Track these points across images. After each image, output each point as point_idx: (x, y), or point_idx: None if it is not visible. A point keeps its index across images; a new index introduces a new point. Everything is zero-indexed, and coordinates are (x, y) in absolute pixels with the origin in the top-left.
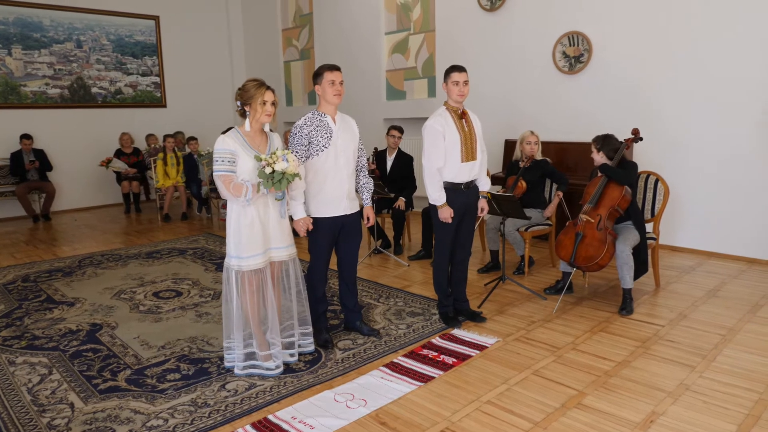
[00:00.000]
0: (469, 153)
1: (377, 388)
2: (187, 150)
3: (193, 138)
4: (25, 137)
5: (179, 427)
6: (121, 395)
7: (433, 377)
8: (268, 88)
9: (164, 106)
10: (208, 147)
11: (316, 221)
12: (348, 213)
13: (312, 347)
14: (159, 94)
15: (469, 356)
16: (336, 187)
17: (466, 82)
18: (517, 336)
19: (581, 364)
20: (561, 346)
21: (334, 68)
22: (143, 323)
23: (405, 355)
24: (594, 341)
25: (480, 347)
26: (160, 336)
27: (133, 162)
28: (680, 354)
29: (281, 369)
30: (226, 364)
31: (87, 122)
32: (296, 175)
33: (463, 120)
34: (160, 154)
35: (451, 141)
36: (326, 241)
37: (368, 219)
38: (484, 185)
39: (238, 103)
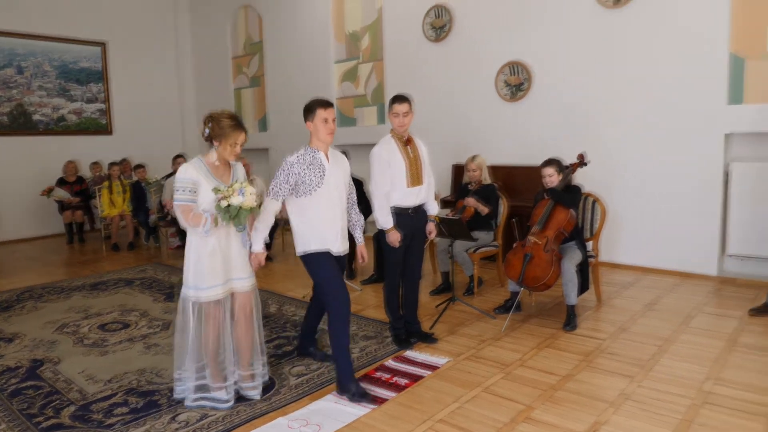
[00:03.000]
0: (415, 178)
1: (331, 412)
2: (135, 178)
3: (140, 165)
4: None
5: None
6: None
7: (387, 399)
8: (244, 130)
9: (110, 133)
10: (155, 175)
11: (311, 255)
12: (340, 253)
13: (267, 377)
14: (105, 121)
15: (422, 377)
16: (330, 225)
17: (406, 113)
18: (467, 355)
19: (528, 379)
20: (510, 362)
21: (328, 105)
22: (88, 357)
23: (359, 378)
24: (541, 357)
25: (432, 367)
26: (107, 370)
27: (77, 191)
28: (620, 365)
29: (232, 402)
30: (176, 395)
31: (28, 150)
32: (253, 209)
33: (408, 147)
34: (106, 183)
35: (397, 167)
36: (331, 267)
37: (363, 257)
38: (432, 209)
39: (207, 131)
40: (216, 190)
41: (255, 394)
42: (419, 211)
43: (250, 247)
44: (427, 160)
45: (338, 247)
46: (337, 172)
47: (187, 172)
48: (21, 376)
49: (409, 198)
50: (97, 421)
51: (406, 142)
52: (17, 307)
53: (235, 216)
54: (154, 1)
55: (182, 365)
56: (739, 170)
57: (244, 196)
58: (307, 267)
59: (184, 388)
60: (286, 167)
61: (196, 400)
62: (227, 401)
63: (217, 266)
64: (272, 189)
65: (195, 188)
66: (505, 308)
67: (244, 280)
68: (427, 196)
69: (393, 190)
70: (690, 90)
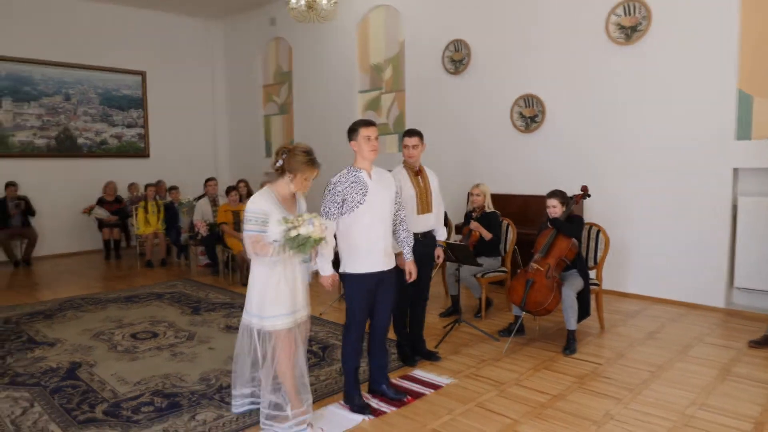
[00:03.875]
0: (424, 206)
1: (334, 417)
2: (168, 198)
3: (174, 187)
4: (10, 184)
5: None
6: (98, 425)
7: (386, 412)
8: (318, 166)
9: (147, 156)
10: (188, 196)
11: (352, 278)
12: (384, 269)
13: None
14: (143, 145)
15: (424, 394)
16: (372, 243)
17: (415, 146)
18: (467, 373)
19: (521, 397)
20: (505, 381)
21: (370, 124)
22: (120, 362)
23: (367, 392)
24: (537, 377)
25: (435, 386)
26: (136, 373)
27: (115, 209)
28: (611, 388)
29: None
30: (234, 410)
31: (72, 171)
32: (322, 239)
33: (419, 177)
34: (142, 202)
35: (407, 195)
36: (362, 300)
37: (410, 274)
38: (441, 235)
39: (281, 162)
40: (285, 220)
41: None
42: (428, 236)
43: (317, 272)
44: (437, 189)
45: (382, 265)
46: (381, 190)
47: (258, 204)
48: (61, 376)
49: (419, 224)
50: (126, 416)
51: (417, 173)
52: (59, 316)
53: (302, 245)
54: (190, 33)
55: (239, 386)
56: (747, 204)
57: (313, 227)
58: (345, 285)
59: (239, 402)
60: (331, 187)
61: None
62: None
63: (282, 296)
64: (323, 211)
65: (266, 219)
66: (508, 331)
67: (303, 310)
68: (436, 223)
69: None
70: (699, 125)
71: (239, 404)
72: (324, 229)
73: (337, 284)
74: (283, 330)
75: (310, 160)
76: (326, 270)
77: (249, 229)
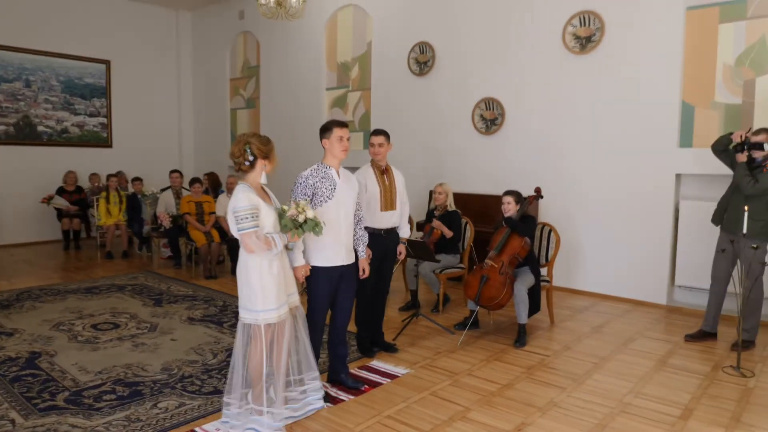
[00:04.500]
0: (388, 203)
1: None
2: (131, 190)
3: (137, 178)
4: None
5: None
6: (59, 413)
7: (344, 400)
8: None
9: (110, 146)
10: (151, 188)
11: (316, 270)
12: (346, 263)
13: (321, 402)
14: (105, 135)
15: (381, 383)
16: (336, 237)
17: (381, 144)
18: (422, 364)
19: (472, 386)
20: (459, 372)
21: (343, 125)
22: (81, 352)
23: (327, 381)
24: (488, 368)
25: (392, 376)
26: (98, 363)
27: (75, 200)
28: (557, 378)
29: (284, 423)
30: (222, 421)
31: (31, 159)
32: (323, 222)
33: (385, 175)
34: (103, 193)
35: (372, 192)
36: (325, 291)
37: (363, 270)
38: (405, 232)
39: (251, 158)
40: (283, 210)
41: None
42: (391, 233)
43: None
44: (402, 188)
45: (343, 259)
46: (347, 188)
47: (249, 199)
48: (21, 365)
49: (383, 221)
50: (88, 404)
51: (383, 171)
52: (16, 306)
53: (313, 228)
54: (157, 23)
55: (233, 390)
56: (688, 208)
57: (313, 210)
58: (309, 277)
59: (231, 413)
60: (302, 180)
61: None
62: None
63: (281, 286)
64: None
65: (257, 213)
66: (463, 325)
67: (294, 295)
68: (400, 221)
69: (367, 213)
70: (646, 133)
71: (233, 413)
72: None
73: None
74: (281, 322)
75: (266, 138)
76: (299, 260)
77: (246, 227)
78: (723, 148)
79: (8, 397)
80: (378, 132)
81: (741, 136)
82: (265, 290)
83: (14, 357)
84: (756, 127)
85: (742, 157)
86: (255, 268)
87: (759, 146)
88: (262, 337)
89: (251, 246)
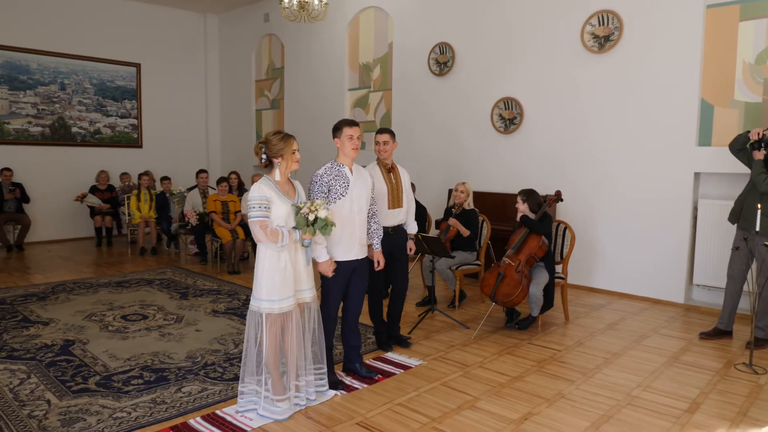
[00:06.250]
0: (395, 201)
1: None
2: (160, 188)
3: (166, 177)
4: (6, 170)
5: (141, 418)
6: (91, 395)
7: (358, 388)
8: (292, 137)
9: (140, 146)
10: (179, 187)
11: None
12: (359, 258)
13: (326, 388)
14: (136, 136)
15: (394, 374)
16: (350, 233)
17: (385, 143)
18: (436, 356)
19: (483, 377)
20: (470, 364)
21: (354, 124)
22: (111, 340)
23: (341, 371)
24: (500, 361)
25: (405, 367)
26: (127, 350)
27: (107, 198)
28: (567, 372)
29: (292, 412)
30: (239, 408)
31: (65, 159)
32: (334, 223)
33: (391, 174)
34: (134, 191)
35: (380, 190)
36: (338, 285)
37: (378, 263)
38: (412, 229)
39: (264, 156)
40: (298, 206)
41: (304, 405)
42: (398, 230)
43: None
44: (408, 186)
45: (357, 254)
46: (360, 185)
47: (260, 190)
48: (56, 352)
49: (389, 218)
50: (117, 388)
51: (389, 169)
52: (52, 298)
53: (323, 227)
54: (185, 27)
55: (247, 377)
56: (706, 206)
57: (327, 211)
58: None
59: (245, 401)
60: (317, 179)
61: (264, 409)
62: (288, 412)
63: (288, 279)
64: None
65: (269, 205)
66: (515, 323)
67: (306, 292)
68: (408, 218)
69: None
70: (664, 131)
71: (245, 401)
72: (333, 215)
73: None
74: (284, 313)
75: (283, 135)
76: (323, 256)
77: (254, 216)
78: (740, 147)
79: (44, 380)
80: (383, 130)
81: (759, 134)
82: (270, 281)
83: (50, 344)
84: None
85: (759, 155)
86: (265, 258)
87: None
88: (263, 325)
89: (257, 234)
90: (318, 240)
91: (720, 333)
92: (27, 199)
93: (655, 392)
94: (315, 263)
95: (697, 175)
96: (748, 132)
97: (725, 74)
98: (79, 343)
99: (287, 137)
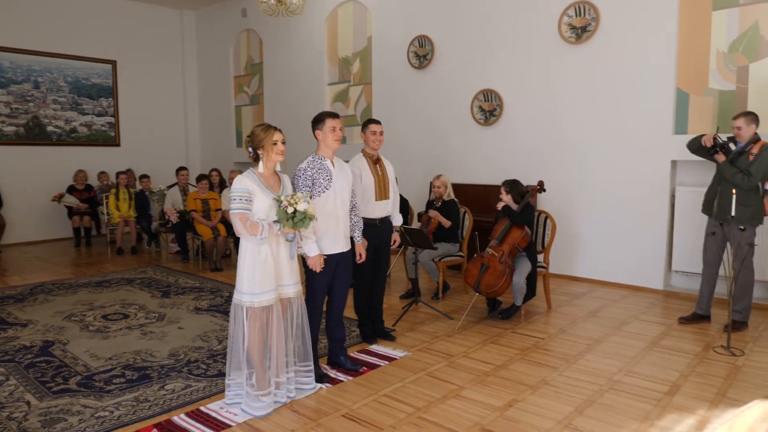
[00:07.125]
0: (382, 193)
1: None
2: (139, 187)
3: (145, 176)
4: None
5: (123, 416)
6: (72, 395)
7: (343, 381)
8: (276, 129)
9: (118, 145)
10: (159, 185)
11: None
12: (343, 251)
13: (312, 385)
14: (113, 134)
15: (379, 366)
16: (334, 226)
17: (382, 132)
18: (420, 347)
19: (467, 367)
20: (455, 354)
21: (335, 116)
22: (92, 340)
23: (327, 364)
24: (484, 350)
25: (390, 359)
26: (108, 350)
27: (85, 198)
28: (550, 359)
29: (273, 408)
30: (227, 402)
31: (41, 159)
32: (314, 217)
33: (377, 165)
34: (113, 190)
35: (367, 182)
36: (323, 278)
37: (360, 255)
38: (398, 221)
39: (250, 149)
40: (278, 199)
41: (288, 399)
42: (385, 222)
43: (304, 254)
44: (393, 178)
45: (340, 246)
46: (341, 178)
47: (242, 182)
48: (35, 353)
49: (377, 210)
50: (99, 387)
51: (376, 161)
52: (30, 299)
53: (300, 221)
54: (161, 23)
55: (233, 371)
56: (684, 194)
57: (308, 204)
58: (306, 266)
59: (233, 393)
60: (301, 173)
61: (246, 404)
62: (272, 406)
63: (269, 273)
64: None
65: (250, 197)
66: (499, 312)
67: (289, 287)
68: (393, 210)
69: (362, 203)
70: (641, 120)
71: (232, 394)
72: (315, 208)
73: (323, 265)
74: (260, 307)
75: (265, 127)
76: (313, 251)
77: (235, 208)
78: (697, 147)
79: (23, 381)
80: (378, 121)
81: (711, 140)
82: (251, 274)
83: (28, 345)
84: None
85: (720, 158)
86: (246, 251)
87: (732, 141)
88: (243, 318)
89: (237, 227)
90: (307, 234)
91: (698, 317)
92: (0, 202)
93: (636, 376)
94: (303, 258)
95: (674, 163)
96: (702, 136)
97: (700, 63)
98: (59, 343)
99: (268, 128)
